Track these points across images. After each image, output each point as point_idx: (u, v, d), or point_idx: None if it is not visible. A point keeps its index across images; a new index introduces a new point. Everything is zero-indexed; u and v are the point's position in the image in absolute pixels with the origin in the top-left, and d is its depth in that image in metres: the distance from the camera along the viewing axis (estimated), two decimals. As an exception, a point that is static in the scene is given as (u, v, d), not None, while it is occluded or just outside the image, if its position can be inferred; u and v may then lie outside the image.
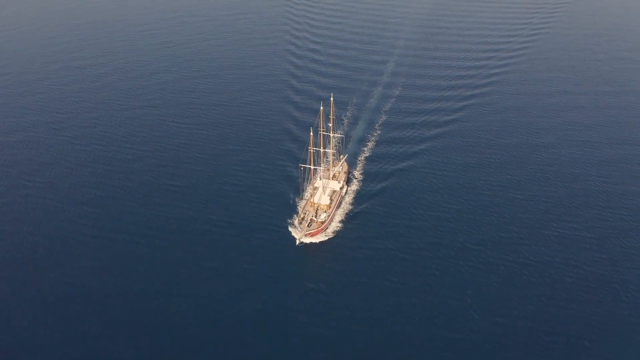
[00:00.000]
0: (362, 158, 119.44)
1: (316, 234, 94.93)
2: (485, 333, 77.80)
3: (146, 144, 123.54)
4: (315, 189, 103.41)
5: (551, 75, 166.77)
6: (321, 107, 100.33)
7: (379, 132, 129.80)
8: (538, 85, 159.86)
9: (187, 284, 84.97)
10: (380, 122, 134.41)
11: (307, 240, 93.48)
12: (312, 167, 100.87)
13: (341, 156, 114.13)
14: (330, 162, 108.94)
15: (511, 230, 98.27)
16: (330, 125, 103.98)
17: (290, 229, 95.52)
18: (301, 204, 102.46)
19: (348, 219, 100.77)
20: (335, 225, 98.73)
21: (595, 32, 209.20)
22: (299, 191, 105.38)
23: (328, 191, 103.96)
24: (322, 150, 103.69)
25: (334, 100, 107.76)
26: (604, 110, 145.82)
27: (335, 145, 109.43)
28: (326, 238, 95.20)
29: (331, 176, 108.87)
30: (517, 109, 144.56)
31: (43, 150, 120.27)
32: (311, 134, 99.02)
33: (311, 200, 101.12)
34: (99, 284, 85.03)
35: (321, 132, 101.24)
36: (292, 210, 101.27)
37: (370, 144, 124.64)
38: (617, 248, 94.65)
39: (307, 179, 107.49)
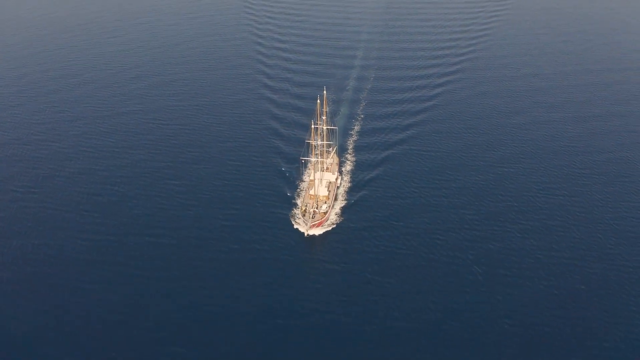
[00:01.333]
0: (350, 149, 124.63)
1: (320, 224, 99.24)
2: (492, 293, 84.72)
3: (137, 148, 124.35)
4: (312, 181, 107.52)
5: (512, 60, 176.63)
6: (318, 101, 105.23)
7: (360, 123, 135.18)
8: (501, 70, 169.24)
9: (203, 280, 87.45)
10: (359, 113, 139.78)
11: (314, 231, 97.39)
12: (314, 159, 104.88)
13: (330, 148, 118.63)
14: (324, 154, 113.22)
15: (500, 200, 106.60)
16: (324, 118, 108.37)
17: (293, 223, 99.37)
18: (301, 197, 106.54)
19: (347, 206, 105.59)
20: (335, 213, 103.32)
21: (549, 17, 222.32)
22: (297, 184, 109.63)
23: (324, 182, 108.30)
24: (320, 142, 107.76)
25: (320, 94, 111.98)
26: (566, 88, 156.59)
27: (328, 137, 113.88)
28: (331, 227, 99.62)
29: (325, 168, 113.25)
30: (485, 94, 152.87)
31: (32, 163, 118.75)
32: (312, 127, 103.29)
33: (310, 193, 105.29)
34: (100, 285, 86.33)
35: (319, 126, 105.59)
36: (294, 202, 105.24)
37: (354, 135, 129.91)
38: (602, 209, 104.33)
39: (305, 172, 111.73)
